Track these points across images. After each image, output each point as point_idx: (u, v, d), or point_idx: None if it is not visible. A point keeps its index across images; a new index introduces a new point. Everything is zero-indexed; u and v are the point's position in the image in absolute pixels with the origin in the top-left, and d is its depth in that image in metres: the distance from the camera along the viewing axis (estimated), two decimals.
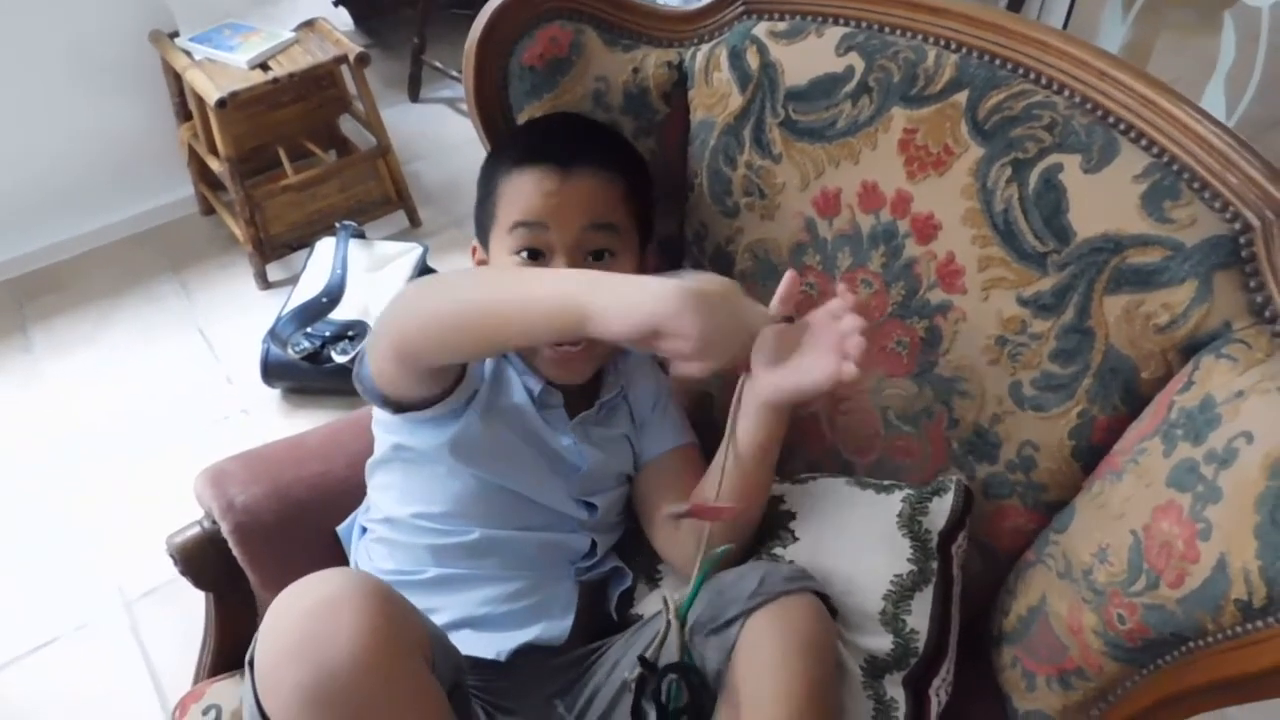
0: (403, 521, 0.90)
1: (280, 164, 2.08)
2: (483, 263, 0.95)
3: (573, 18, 0.96)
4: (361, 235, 1.97)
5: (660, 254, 1.02)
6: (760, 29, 0.91)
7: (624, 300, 0.66)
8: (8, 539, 1.63)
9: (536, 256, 0.87)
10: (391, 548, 0.90)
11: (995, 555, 0.86)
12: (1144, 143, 0.73)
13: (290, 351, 1.75)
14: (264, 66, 1.91)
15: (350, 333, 1.78)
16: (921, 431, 0.88)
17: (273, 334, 1.78)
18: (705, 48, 0.95)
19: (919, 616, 0.80)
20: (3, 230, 2.07)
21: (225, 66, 1.90)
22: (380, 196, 2.18)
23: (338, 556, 0.96)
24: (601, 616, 0.94)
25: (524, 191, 0.86)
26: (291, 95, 2.05)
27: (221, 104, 1.80)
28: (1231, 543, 0.60)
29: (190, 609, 1.45)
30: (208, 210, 2.23)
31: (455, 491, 0.89)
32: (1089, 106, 0.75)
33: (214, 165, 2.01)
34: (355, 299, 1.85)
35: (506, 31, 0.95)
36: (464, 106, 2.79)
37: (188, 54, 1.94)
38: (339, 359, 1.75)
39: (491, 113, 0.98)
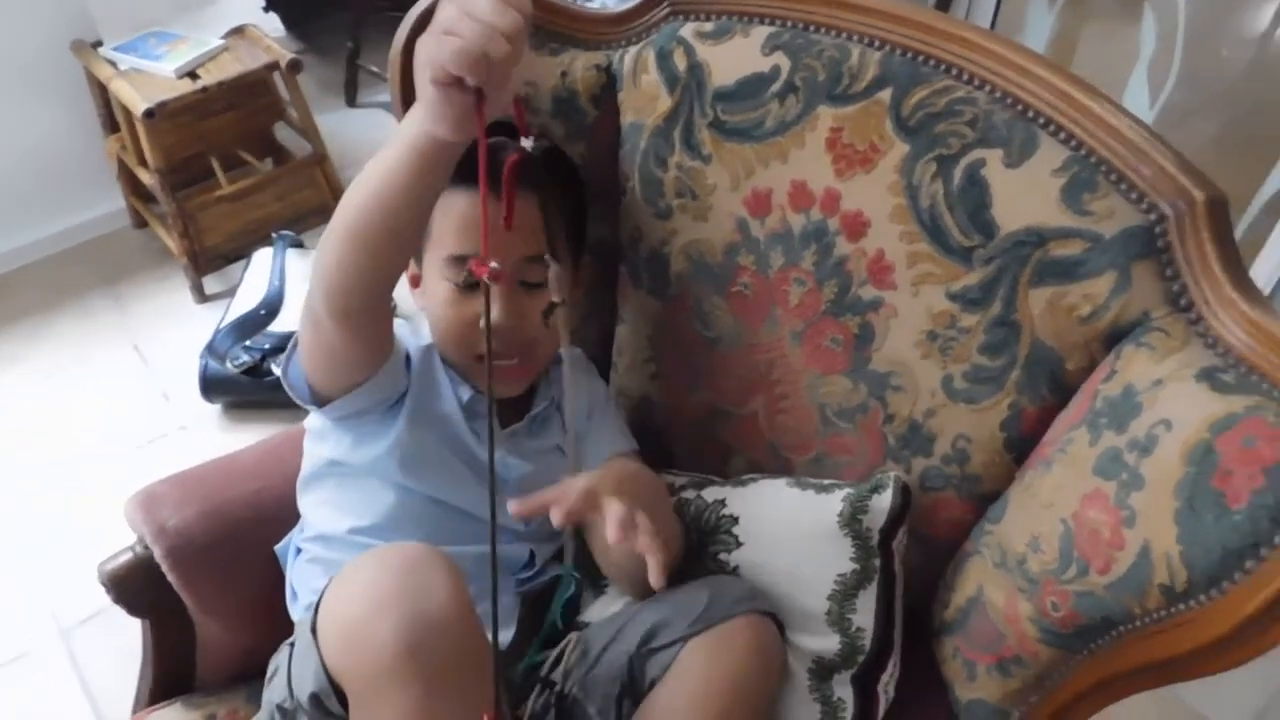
0: (338, 538, 0.88)
1: (214, 174, 2.04)
2: (416, 277, 0.93)
3: None
4: (300, 244, 1.94)
5: (595, 259, 1.02)
6: (687, 30, 0.91)
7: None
8: None
9: (469, 286, 0.85)
10: (327, 566, 0.89)
11: (933, 547, 0.87)
12: (1062, 136, 0.74)
13: (229, 366, 1.72)
14: (192, 75, 1.86)
15: (291, 344, 1.75)
16: (858, 427, 0.89)
17: (211, 348, 1.74)
18: (633, 50, 0.95)
19: (864, 614, 0.81)
20: None
21: (152, 76, 1.85)
22: (318, 204, 2.14)
23: (277, 576, 0.94)
24: (548, 625, 0.93)
25: (458, 216, 0.84)
26: (223, 104, 2.00)
27: (149, 115, 1.76)
28: (1154, 529, 0.61)
29: (130, 635, 1.41)
30: (140, 223, 2.18)
31: (389, 505, 0.87)
32: (1009, 102, 0.76)
33: (144, 177, 1.95)
34: (295, 310, 1.81)
35: None
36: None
37: (112, 64, 1.89)
38: (279, 371, 1.71)
39: None
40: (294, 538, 0.94)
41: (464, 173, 0.85)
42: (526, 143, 0.74)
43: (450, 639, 0.66)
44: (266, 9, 2.10)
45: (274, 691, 0.75)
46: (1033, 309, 0.74)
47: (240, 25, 2.01)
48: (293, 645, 0.74)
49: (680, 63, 0.91)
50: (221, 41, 1.94)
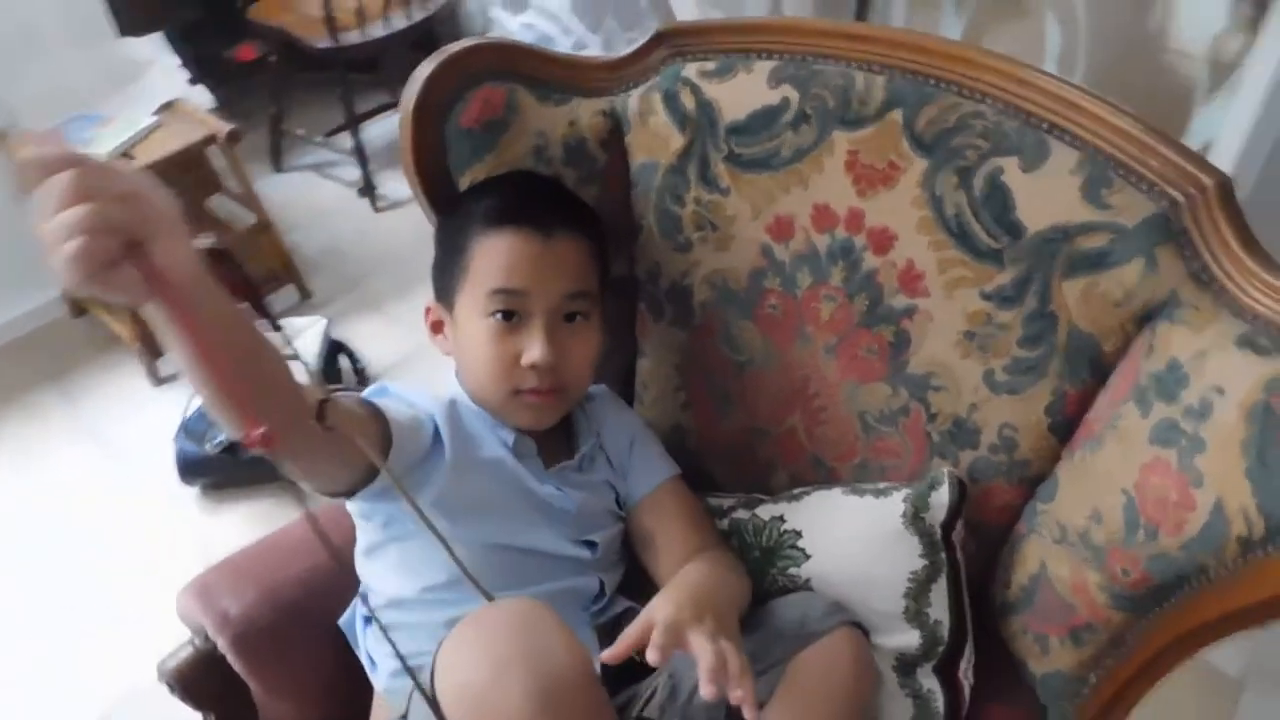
0: (412, 600, 0.88)
1: None
2: (438, 323, 0.94)
3: (502, 77, 0.97)
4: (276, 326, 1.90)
5: (613, 297, 1.04)
6: (690, 70, 0.95)
7: None
8: None
9: (509, 317, 0.87)
10: (405, 631, 0.88)
11: (986, 533, 0.92)
12: (1068, 139, 0.80)
13: (206, 447, 1.67)
14: (128, 155, 1.82)
15: None
16: (900, 430, 0.93)
17: (185, 430, 1.69)
18: (636, 93, 0.98)
19: (939, 607, 0.85)
20: None
21: None
22: (266, 274, 2.11)
23: (341, 650, 0.93)
24: (625, 662, 0.94)
25: (504, 254, 0.87)
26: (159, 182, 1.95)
27: None
28: (1225, 486, 0.66)
29: None
30: (79, 312, 2.10)
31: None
32: (1013, 112, 0.82)
33: None
34: None
35: (440, 97, 0.95)
36: (332, 172, 2.74)
37: None
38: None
39: (432, 179, 0.98)
40: (358, 609, 0.93)
41: (504, 214, 0.88)
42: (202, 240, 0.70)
43: (579, 696, 0.66)
44: (194, 82, 2.06)
45: None
46: (1067, 299, 0.79)
47: (170, 100, 1.96)
48: (405, 717, 0.73)
49: (688, 102, 0.94)
50: (154, 119, 1.90)
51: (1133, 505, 0.74)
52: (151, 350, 1.92)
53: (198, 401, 1.74)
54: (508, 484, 0.90)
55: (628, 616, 0.95)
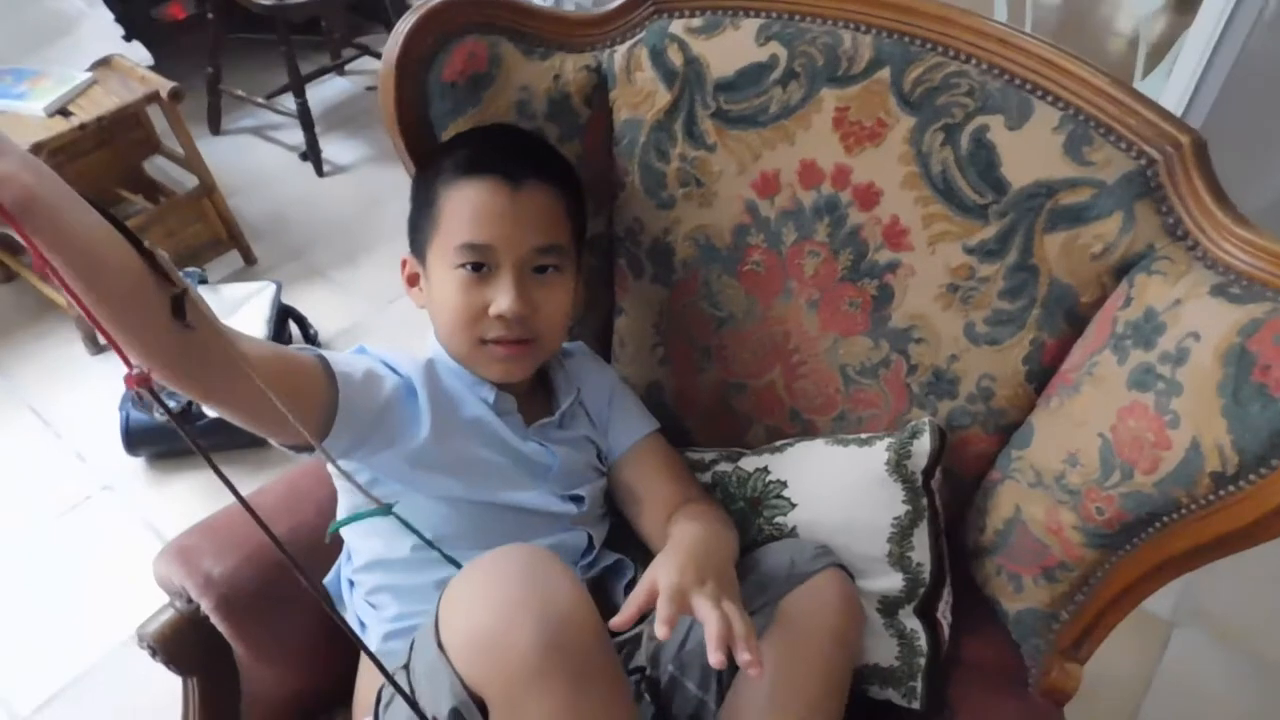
0: (399, 560, 0.87)
1: None
2: (414, 275, 0.93)
3: (486, 30, 0.95)
4: (204, 280, 1.84)
5: (591, 253, 1.05)
6: (677, 26, 0.95)
7: None
8: None
9: (479, 269, 0.86)
10: (394, 593, 0.88)
11: (960, 480, 0.95)
12: (1050, 99, 0.83)
13: (155, 414, 1.61)
14: (64, 112, 1.73)
15: None
16: (881, 382, 0.96)
17: (134, 399, 1.63)
18: (621, 49, 0.98)
19: (920, 550, 0.88)
20: None
21: (18, 116, 1.71)
22: (209, 239, 2.04)
23: (324, 613, 0.91)
24: (610, 611, 0.95)
25: (471, 205, 0.86)
26: (94, 142, 1.88)
27: None
28: (1201, 425, 0.70)
29: (98, 712, 1.33)
30: (7, 278, 2.00)
31: (443, 515, 0.87)
32: (997, 73, 0.85)
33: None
34: None
35: (422, 51, 0.93)
36: (273, 135, 2.66)
37: None
38: (210, 413, 1.62)
39: (414, 134, 0.96)
40: (342, 570, 0.92)
41: (474, 164, 0.87)
42: None
43: (586, 634, 0.68)
44: (128, 38, 1.97)
45: (397, 717, 0.74)
46: (1048, 252, 0.83)
47: (106, 57, 1.88)
48: (408, 668, 0.73)
49: (676, 58, 0.95)
50: (89, 75, 1.81)
51: (1109, 447, 0.78)
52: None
53: None
54: (490, 442, 0.90)
55: (615, 569, 0.96)
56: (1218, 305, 0.72)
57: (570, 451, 0.93)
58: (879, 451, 0.90)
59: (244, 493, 1.00)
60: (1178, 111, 1.64)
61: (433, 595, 0.85)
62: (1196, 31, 1.58)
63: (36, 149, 1.64)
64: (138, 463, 1.68)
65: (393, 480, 0.87)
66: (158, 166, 2.14)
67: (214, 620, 0.86)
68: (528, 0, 0.99)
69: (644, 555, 0.97)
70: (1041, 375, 0.88)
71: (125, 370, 0.55)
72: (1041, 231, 0.83)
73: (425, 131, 0.96)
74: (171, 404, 1.58)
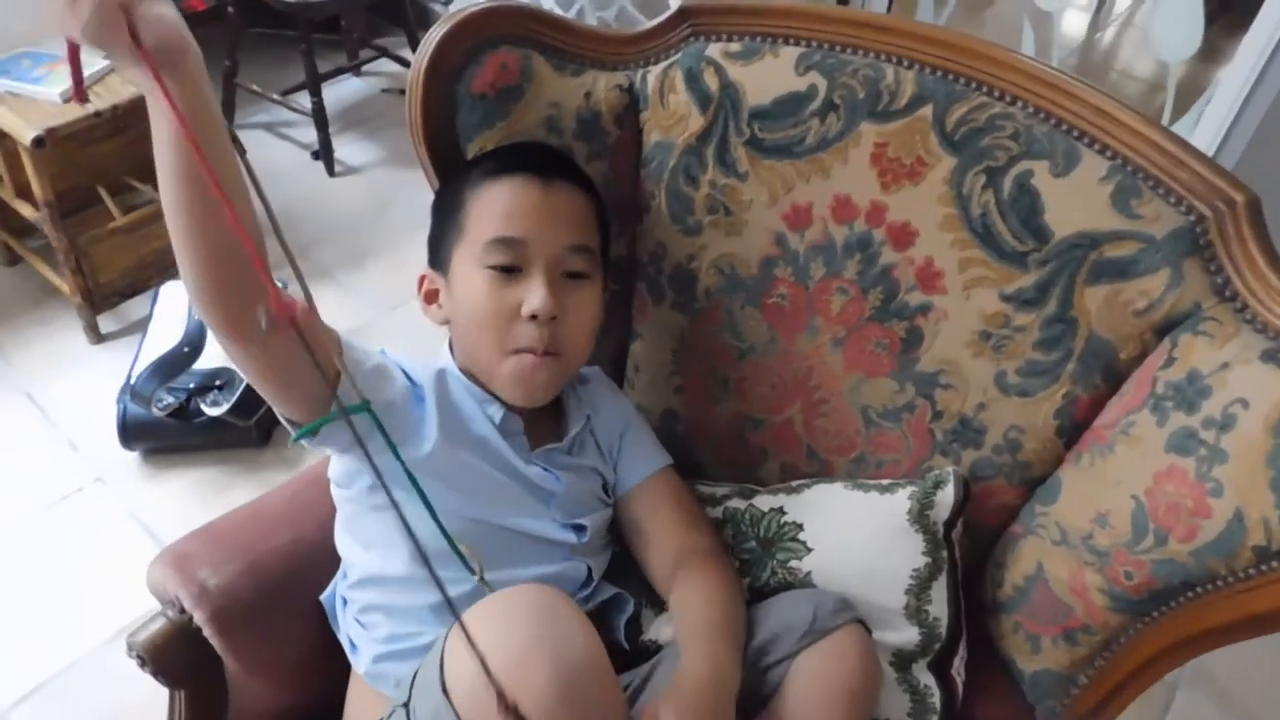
0: (394, 579, 0.84)
1: (97, 205, 1.87)
2: (432, 292, 0.91)
3: (519, 43, 0.93)
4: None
5: (611, 278, 1.02)
6: (714, 50, 0.93)
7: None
8: None
9: (510, 271, 0.83)
10: (387, 613, 0.84)
11: (980, 531, 0.92)
12: (1098, 148, 0.80)
13: (154, 409, 1.58)
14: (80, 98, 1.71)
15: (218, 381, 1.64)
16: (903, 426, 0.93)
17: (131, 391, 1.60)
18: (656, 69, 0.96)
19: (938, 604, 0.85)
20: None
21: (34, 101, 1.68)
22: None
23: (324, 628, 0.89)
24: (612, 648, 0.92)
25: (502, 202, 0.84)
26: (108, 129, 1.84)
27: (39, 143, 1.60)
28: (1247, 496, 0.68)
29: (80, 707, 1.30)
30: (12, 261, 1.97)
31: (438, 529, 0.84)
32: (1044, 117, 0.82)
33: (27, 211, 1.77)
34: (217, 345, 1.69)
35: (453, 59, 0.91)
36: (286, 132, 2.64)
37: None
38: (210, 411, 1.60)
39: (439, 144, 0.94)
40: (338, 587, 0.89)
41: (503, 166, 0.85)
42: None
43: (599, 681, 0.65)
44: None
45: None
46: (1089, 305, 0.80)
47: None
48: (407, 707, 0.70)
49: (712, 83, 0.92)
50: (107, 63, 1.79)
51: (1143, 510, 0.75)
52: (92, 304, 1.82)
53: (145, 362, 1.65)
54: (493, 461, 0.87)
55: (614, 603, 0.93)
56: (1269, 372, 0.69)
57: (575, 479, 0.90)
58: (901, 500, 0.87)
59: (240, 497, 0.97)
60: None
61: (427, 618, 0.83)
62: (1231, 77, 1.56)
63: (51, 134, 1.61)
64: (132, 457, 1.65)
65: (395, 485, 0.84)
66: None
67: (207, 633, 0.83)
68: (563, 15, 0.97)
69: (646, 588, 0.94)
70: (1073, 430, 0.85)
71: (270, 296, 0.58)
72: (1083, 284, 0.80)
73: (450, 142, 0.94)
74: (169, 400, 1.56)
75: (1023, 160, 0.82)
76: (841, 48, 0.90)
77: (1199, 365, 0.74)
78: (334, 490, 0.88)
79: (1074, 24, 3.30)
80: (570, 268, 0.85)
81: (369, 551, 0.86)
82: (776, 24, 0.92)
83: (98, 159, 1.87)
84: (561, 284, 0.84)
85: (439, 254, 0.89)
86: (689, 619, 0.84)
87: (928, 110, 0.85)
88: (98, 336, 1.85)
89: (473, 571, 0.73)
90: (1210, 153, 1.63)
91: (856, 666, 0.79)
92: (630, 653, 0.91)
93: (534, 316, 0.82)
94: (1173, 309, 0.77)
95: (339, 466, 0.88)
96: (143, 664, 0.83)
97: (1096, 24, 3.38)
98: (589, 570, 0.90)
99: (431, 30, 0.91)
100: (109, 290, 1.85)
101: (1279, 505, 0.66)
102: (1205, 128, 1.64)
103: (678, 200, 0.97)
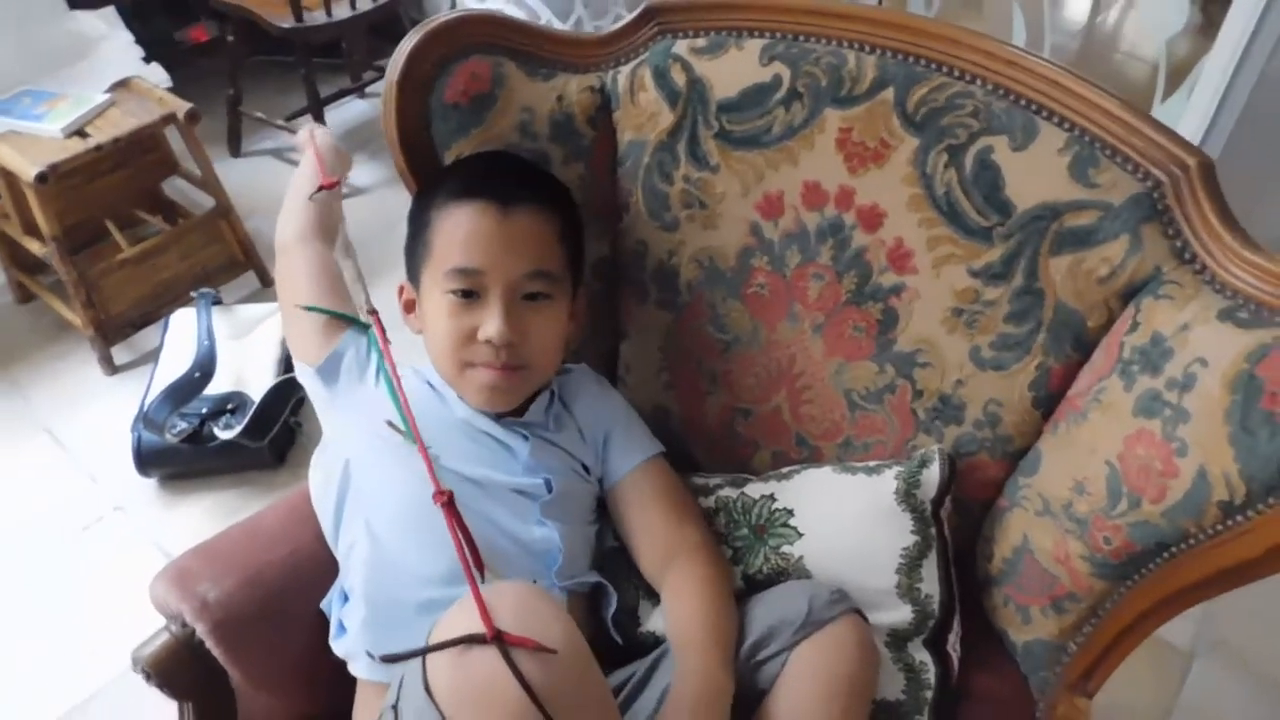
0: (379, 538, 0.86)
1: (105, 238, 1.93)
2: (411, 302, 0.94)
3: (489, 50, 0.96)
4: (219, 301, 1.85)
5: (595, 278, 1.04)
6: (680, 47, 0.95)
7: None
8: None
9: (469, 295, 0.86)
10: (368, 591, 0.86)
11: (968, 507, 0.93)
12: (1056, 120, 0.82)
13: (168, 436, 1.62)
14: (81, 134, 1.75)
15: (230, 405, 1.67)
16: (886, 407, 0.95)
17: (145, 419, 1.64)
18: (625, 69, 0.98)
19: (930, 582, 0.86)
20: None
21: (35, 138, 1.73)
22: (225, 260, 2.06)
23: (321, 638, 0.91)
24: (605, 642, 0.94)
25: (461, 229, 0.86)
26: (112, 163, 1.90)
27: (42, 179, 1.64)
28: (1209, 453, 0.68)
29: None
30: (25, 298, 2.02)
31: (402, 479, 0.86)
32: (1003, 93, 0.84)
33: (34, 248, 1.82)
34: (228, 369, 1.73)
35: (425, 70, 0.93)
36: (292, 156, 2.68)
37: None
38: (223, 435, 1.63)
39: (416, 154, 0.97)
40: (336, 590, 0.91)
41: (465, 188, 0.87)
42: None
43: (578, 672, 0.66)
44: (148, 60, 2.00)
45: None
46: (1054, 275, 0.81)
47: (125, 78, 1.90)
48: (395, 708, 0.72)
49: (679, 78, 0.94)
50: (107, 96, 1.84)
51: (1116, 475, 0.76)
52: (105, 337, 1.86)
53: (157, 390, 1.69)
54: (458, 416, 0.90)
55: (598, 591, 0.94)
56: (1226, 330, 0.70)
57: (542, 444, 0.92)
58: (887, 480, 0.88)
59: (230, 522, 1.00)
60: (1197, 136, 1.62)
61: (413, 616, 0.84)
62: (1217, 54, 1.56)
63: (53, 170, 1.66)
64: (150, 484, 1.69)
65: (353, 432, 0.91)
66: (176, 188, 2.16)
67: (209, 645, 0.86)
68: (530, 21, 0.99)
69: (644, 579, 0.95)
70: (1049, 401, 0.86)
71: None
72: (1047, 254, 0.81)
73: (428, 152, 0.97)
74: (182, 426, 1.59)
75: (983, 136, 0.83)
76: (804, 37, 0.91)
77: (1161, 328, 0.74)
78: (312, 490, 0.93)
79: (1078, 7, 3.29)
80: (529, 290, 0.87)
81: (354, 520, 0.88)
82: (740, 18, 0.94)
83: (103, 192, 1.93)
84: (520, 307, 0.87)
85: (411, 267, 0.92)
86: (679, 627, 0.86)
87: (889, 93, 0.87)
88: (112, 368, 1.89)
89: (413, 440, 0.79)
90: (1201, 129, 1.63)
91: (855, 656, 0.79)
92: (625, 646, 0.93)
93: (489, 342, 0.85)
94: (1134, 274, 0.78)
95: (317, 458, 0.94)
96: (148, 678, 0.86)
97: (1099, 6, 3.37)
98: (559, 540, 0.88)
99: (401, 43, 0.93)
100: (121, 321, 1.89)
101: (1237, 459, 0.66)
102: (1197, 103, 1.64)
103: (654, 197, 0.98)
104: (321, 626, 0.91)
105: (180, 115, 1.82)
